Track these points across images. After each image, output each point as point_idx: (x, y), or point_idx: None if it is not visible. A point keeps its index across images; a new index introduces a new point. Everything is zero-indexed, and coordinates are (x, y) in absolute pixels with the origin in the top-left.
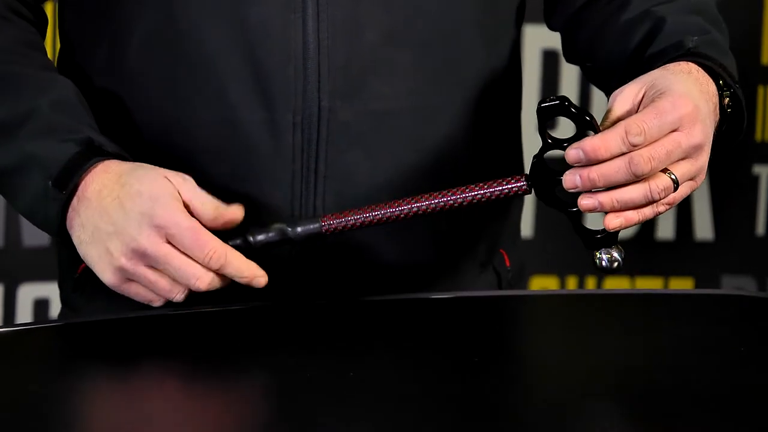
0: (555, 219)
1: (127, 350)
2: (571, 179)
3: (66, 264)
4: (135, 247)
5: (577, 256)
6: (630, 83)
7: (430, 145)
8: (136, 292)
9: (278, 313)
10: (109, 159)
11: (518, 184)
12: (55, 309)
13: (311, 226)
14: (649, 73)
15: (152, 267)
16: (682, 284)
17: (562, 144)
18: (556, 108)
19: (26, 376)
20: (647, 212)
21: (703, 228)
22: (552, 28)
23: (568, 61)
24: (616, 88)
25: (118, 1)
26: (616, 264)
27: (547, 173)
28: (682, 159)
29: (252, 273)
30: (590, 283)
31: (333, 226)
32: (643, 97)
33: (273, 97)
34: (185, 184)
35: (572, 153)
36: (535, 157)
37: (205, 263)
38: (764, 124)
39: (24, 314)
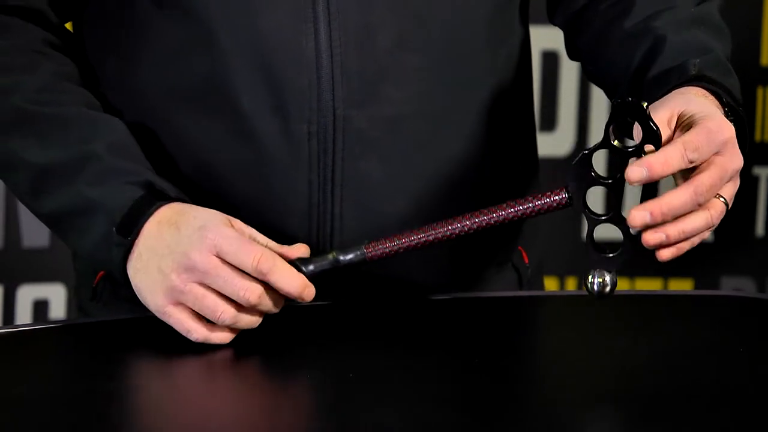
0: (554, 220)
1: (126, 351)
2: (641, 216)
3: (83, 272)
4: (185, 262)
5: (576, 258)
6: (658, 107)
7: (444, 148)
8: (178, 317)
9: (283, 314)
10: (171, 203)
11: (560, 196)
12: (54, 310)
13: (357, 254)
14: (669, 97)
15: (201, 283)
16: (682, 285)
17: (624, 150)
18: (634, 108)
19: (26, 377)
20: (696, 240)
21: None
22: (554, 23)
23: (571, 58)
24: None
25: (130, 15)
26: (607, 289)
27: (589, 173)
28: (728, 181)
29: (302, 283)
30: None
31: (377, 252)
32: (677, 120)
33: (287, 108)
34: (248, 228)
35: (636, 172)
36: (587, 149)
37: (253, 268)
38: (763, 125)
39: (23, 315)
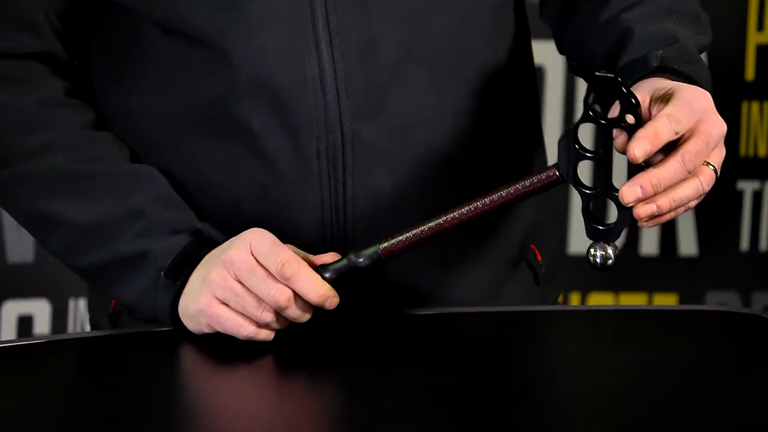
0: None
1: (117, 367)
2: (632, 191)
3: (97, 292)
4: (224, 258)
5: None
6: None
7: (452, 155)
8: (227, 314)
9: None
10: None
11: (549, 173)
12: (39, 326)
13: (372, 252)
14: (636, 86)
15: (240, 281)
16: (666, 300)
17: (605, 122)
18: (610, 82)
19: (9, 394)
20: (681, 210)
21: (688, 244)
22: (543, 20)
23: (560, 53)
24: None
25: (136, 43)
26: (609, 262)
27: (577, 148)
28: (714, 148)
29: (325, 291)
30: (574, 299)
31: (392, 248)
32: (650, 100)
33: (295, 126)
34: (290, 246)
35: (639, 148)
36: (571, 125)
37: (277, 270)
38: (748, 139)
39: (8, 332)
